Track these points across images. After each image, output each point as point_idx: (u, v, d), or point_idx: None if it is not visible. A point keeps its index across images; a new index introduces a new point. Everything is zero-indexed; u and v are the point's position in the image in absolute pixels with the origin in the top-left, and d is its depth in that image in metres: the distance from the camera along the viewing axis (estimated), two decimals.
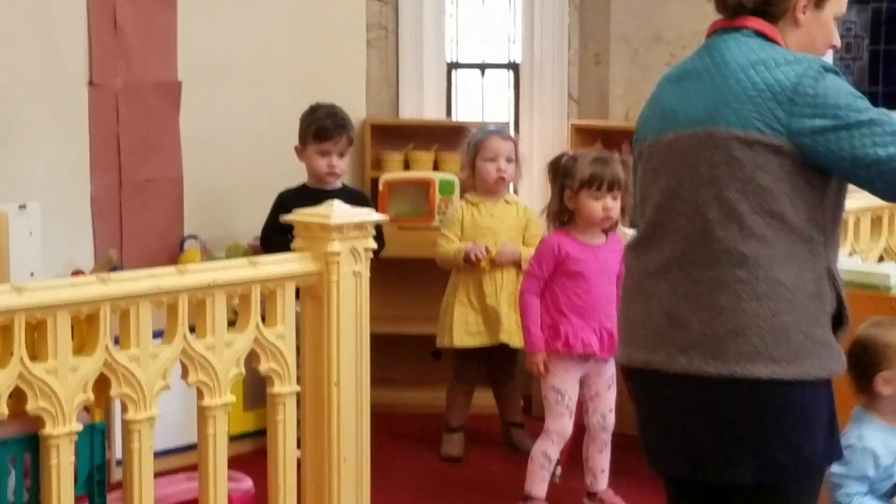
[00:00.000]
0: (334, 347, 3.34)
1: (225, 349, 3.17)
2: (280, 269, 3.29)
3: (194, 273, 3.13)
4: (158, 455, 3.18)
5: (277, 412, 3.30)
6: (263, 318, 3.27)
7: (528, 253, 4.78)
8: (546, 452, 4.30)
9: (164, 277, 3.07)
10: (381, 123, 5.70)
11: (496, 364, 5.00)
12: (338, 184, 4.93)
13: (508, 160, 4.93)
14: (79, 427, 2.93)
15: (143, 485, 3.05)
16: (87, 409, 3.05)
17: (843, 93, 2.52)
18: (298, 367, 3.36)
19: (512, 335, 4.84)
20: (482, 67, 6.03)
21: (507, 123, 5.74)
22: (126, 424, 3.03)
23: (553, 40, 5.86)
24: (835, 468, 3.07)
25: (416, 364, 5.41)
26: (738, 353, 2.52)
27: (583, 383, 4.32)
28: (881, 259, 4.64)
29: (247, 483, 3.77)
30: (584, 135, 5.53)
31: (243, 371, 3.24)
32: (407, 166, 5.66)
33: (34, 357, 2.85)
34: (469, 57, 6.02)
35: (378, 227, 3.53)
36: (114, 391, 3.00)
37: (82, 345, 2.96)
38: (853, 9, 6.27)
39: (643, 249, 2.68)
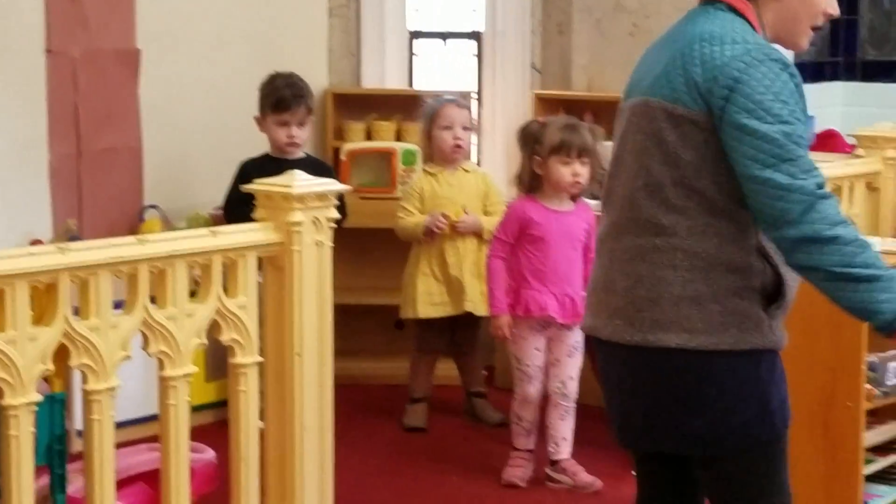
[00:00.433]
0: (297, 318, 3.33)
1: (186, 319, 3.16)
2: (241, 238, 3.27)
3: (155, 243, 3.11)
4: (119, 426, 3.17)
5: (239, 383, 3.29)
6: (225, 289, 3.25)
7: (490, 223, 4.79)
8: (515, 412, 4.40)
9: (124, 247, 3.04)
10: (343, 93, 5.67)
11: (458, 334, 5.01)
12: (300, 153, 4.90)
13: (465, 128, 4.92)
14: (38, 397, 2.91)
15: (104, 456, 3.04)
16: (46, 379, 3.03)
17: (770, 91, 2.47)
18: (260, 337, 3.35)
19: (477, 304, 4.85)
20: (444, 36, 6.01)
21: (470, 93, 5.72)
22: (86, 395, 3.01)
23: (516, 9, 5.84)
24: None
25: (379, 335, 5.41)
26: (653, 320, 2.53)
27: (546, 349, 4.34)
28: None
29: (209, 454, 3.75)
30: (546, 104, 5.53)
31: (205, 341, 3.22)
32: (369, 136, 5.64)
33: None
34: (431, 26, 6.00)
35: (340, 198, 3.51)
36: (73, 361, 2.97)
37: (41, 315, 2.93)
38: None
39: (602, 216, 2.72)
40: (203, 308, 3.20)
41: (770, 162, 2.45)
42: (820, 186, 2.45)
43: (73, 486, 3.23)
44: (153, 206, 5.12)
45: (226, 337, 3.26)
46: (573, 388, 4.35)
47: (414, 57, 5.97)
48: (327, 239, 3.37)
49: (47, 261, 2.89)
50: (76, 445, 3.90)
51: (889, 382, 3.93)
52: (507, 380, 5.36)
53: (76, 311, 2.98)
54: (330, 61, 5.73)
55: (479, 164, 5.85)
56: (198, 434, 3.46)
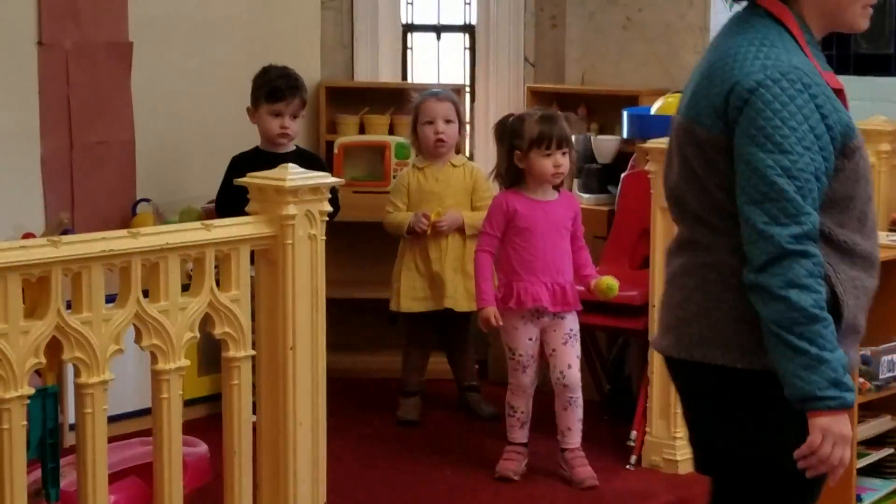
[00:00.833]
0: (290, 311, 3.32)
1: (179, 313, 3.15)
2: (234, 232, 3.26)
3: (147, 236, 3.10)
4: (112, 419, 3.16)
5: (232, 376, 3.29)
6: (218, 282, 3.24)
7: (472, 218, 4.78)
8: (509, 402, 4.41)
9: (116, 240, 3.03)
10: (336, 86, 5.66)
11: (449, 329, 5.01)
12: (291, 146, 4.90)
13: (447, 121, 4.89)
14: (31, 391, 2.90)
15: (97, 449, 3.03)
16: (39, 373, 3.02)
17: (778, 115, 2.36)
18: (253, 331, 3.34)
19: (458, 300, 4.84)
20: (438, 30, 6.00)
21: (463, 86, 5.71)
22: (79, 389, 3.01)
23: (509, 3, 5.83)
24: None
25: (372, 328, 5.40)
26: (700, 336, 2.51)
27: (542, 340, 4.34)
28: None
29: (202, 448, 3.75)
30: (540, 98, 5.52)
31: (198, 335, 3.21)
32: (362, 130, 5.63)
33: None
34: (424, 19, 5.99)
35: (333, 191, 3.51)
36: (66, 355, 2.97)
37: (34, 308, 2.92)
38: None
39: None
40: (196, 302, 3.19)
41: (755, 197, 2.38)
42: (798, 238, 2.36)
43: (66, 480, 3.23)
44: (146, 200, 5.11)
45: (218, 330, 3.25)
46: (573, 376, 4.34)
47: (407, 50, 5.96)
48: (320, 232, 3.37)
49: (40, 254, 2.88)
50: (69, 439, 3.90)
51: (882, 376, 3.94)
52: (500, 374, 5.36)
53: (69, 305, 2.98)
54: (323, 54, 5.72)
55: (471, 157, 5.84)
56: (190, 428, 3.46)
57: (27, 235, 4.58)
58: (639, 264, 4.78)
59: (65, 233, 4.46)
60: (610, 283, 4.30)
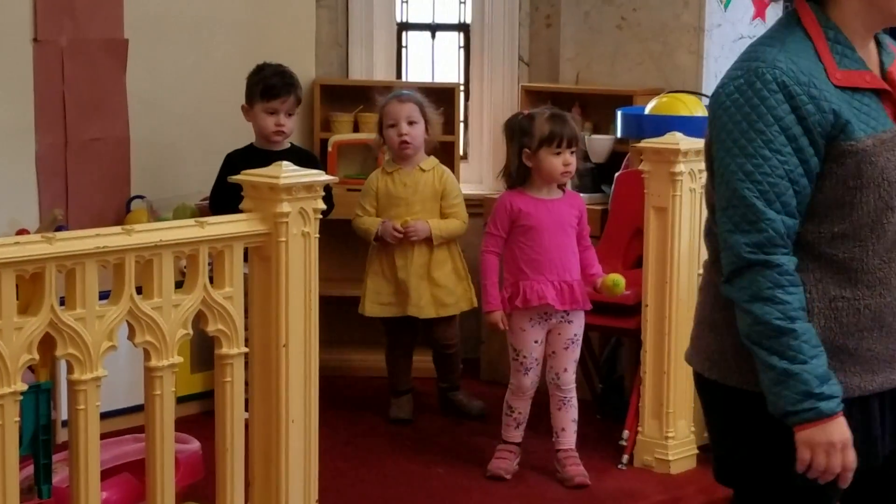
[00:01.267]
0: (283, 309, 3.33)
1: (172, 310, 3.15)
2: (228, 229, 3.26)
3: (141, 233, 3.10)
4: (105, 416, 3.16)
5: (225, 374, 3.29)
6: (211, 279, 3.25)
7: (438, 228, 4.74)
8: (507, 402, 4.40)
9: (110, 237, 3.03)
10: (331, 84, 5.66)
11: (436, 331, 4.92)
12: (286, 144, 4.90)
13: (410, 122, 4.80)
14: (23, 387, 2.90)
15: (89, 446, 3.03)
16: (32, 369, 3.02)
17: (747, 118, 2.30)
18: (246, 328, 3.35)
19: (423, 308, 4.79)
20: (432, 28, 6.00)
21: (458, 85, 5.71)
22: (72, 385, 3.01)
23: (504, 2, 5.84)
24: None
25: (365, 326, 5.40)
26: (707, 354, 2.50)
27: (545, 340, 4.34)
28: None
29: (194, 445, 3.76)
30: (534, 97, 5.52)
31: (191, 332, 3.22)
32: (356, 128, 5.63)
33: None
34: (419, 17, 5.99)
35: (327, 189, 3.51)
36: (59, 351, 2.97)
37: (27, 304, 2.93)
38: None
39: None
40: (189, 299, 3.19)
41: (722, 203, 2.36)
42: (758, 246, 2.30)
43: (58, 477, 3.23)
44: (140, 197, 5.11)
45: (212, 328, 3.25)
46: (567, 379, 4.35)
47: (402, 49, 5.96)
48: (314, 230, 3.37)
49: (33, 250, 2.88)
50: (61, 436, 3.90)
51: None
52: (493, 373, 5.38)
53: (62, 301, 2.98)
54: (318, 52, 5.72)
55: (465, 156, 5.85)
56: (183, 425, 3.46)
57: (21, 231, 4.58)
58: (632, 264, 4.78)
59: (59, 229, 4.46)
60: (616, 279, 4.29)
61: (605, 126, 5.44)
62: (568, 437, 4.37)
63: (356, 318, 5.02)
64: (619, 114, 5.04)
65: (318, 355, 3.43)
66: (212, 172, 4.82)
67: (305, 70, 5.49)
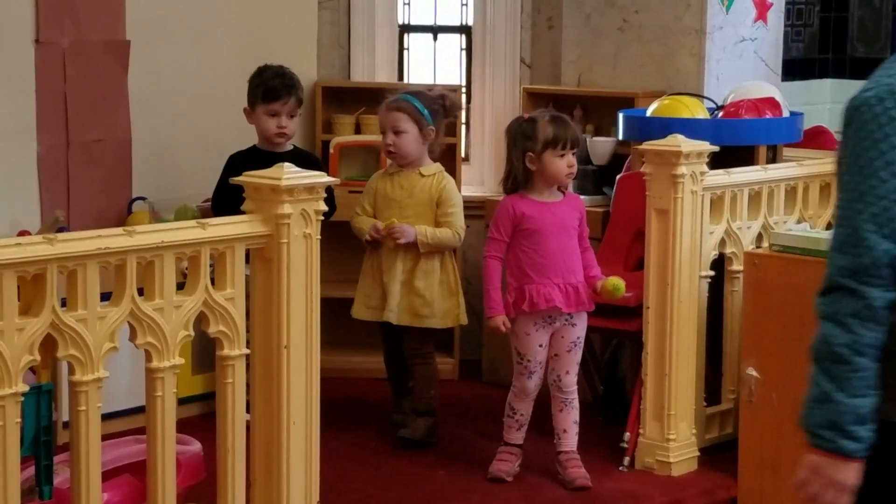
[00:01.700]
0: (284, 310, 3.33)
1: (173, 311, 3.15)
2: (230, 230, 3.27)
3: (143, 234, 3.10)
4: (106, 417, 3.16)
5: (226, 375, 3.29)
6: (213, 281, 3.25)
7: (425, 235, 4.61)
8: (510, 403, 4.40)
9: (111, 238, 3.04)
10: (333, 86, 5.66)
11: (407, 342, 4.74)
12: (288, 146, 4.90)
13: (396, 132, 4.69)
14: (25, 388, 2.90)
15: (91, 447, 3.03)
16: (33, 370, 3.03)
17: (871, 136, 2.23)
18: (248, 329, 3.35)
19: (399, 315, 4.65)
20: (434, 30, 6.00)
21: (460, 87, 5.71)
22: (73, 386, 3.01)
23: (506, 4, 5.84)
24: None
25: (366, 328, 5.40)
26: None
27: (549, 342, 4.34)
28: (829, 226, 4.67)
29: (195, 446, 3.76)
30: (536, 99, 5.52)
31: (192, 333, 3.22)
32: (358, 130, 5.63)
33: None
34: (421, 19, 5.99)
35: (329, 191, 3.51)
36: (61, 353, 2.97)
37: (29, 305, 2.93)
38: None
39: None
40: (191, 300, 3.20)
41: (836, 220, 2.29)
42: (849, 271, 2.24)
43: (60, 478, 3.23)
44: (141, 198, 5.11)
45: (213, 329, 3.26)
46: (569, 381, 4.35)
47: (404, 50, 5.96)
48: (315, 231, 3.38)
49: (35, 251, 2.89)
50: (63, 437, 3.90)
51: None
52: (495, 375, 5.38)
53: (63, 303, 2.98)
54: (319, 54, 5.72)
55: (467, 158, 5.85)
56: (184, 426, 3.46)
57: (23, 233, 4.58)
58: (633, 266, 4.78)
59: (60, 230, 4.46)
60: (616, 283, 4.28)
61: (606, 128, 5.44)
62: (569, 438, 4.37)
63: (357, 320, 5.01)
64: (620, 116, 5.04)
65: (319, 357, 3.43)
66: (213, 174, 4.82)
67: (307, 72, 5.49)
